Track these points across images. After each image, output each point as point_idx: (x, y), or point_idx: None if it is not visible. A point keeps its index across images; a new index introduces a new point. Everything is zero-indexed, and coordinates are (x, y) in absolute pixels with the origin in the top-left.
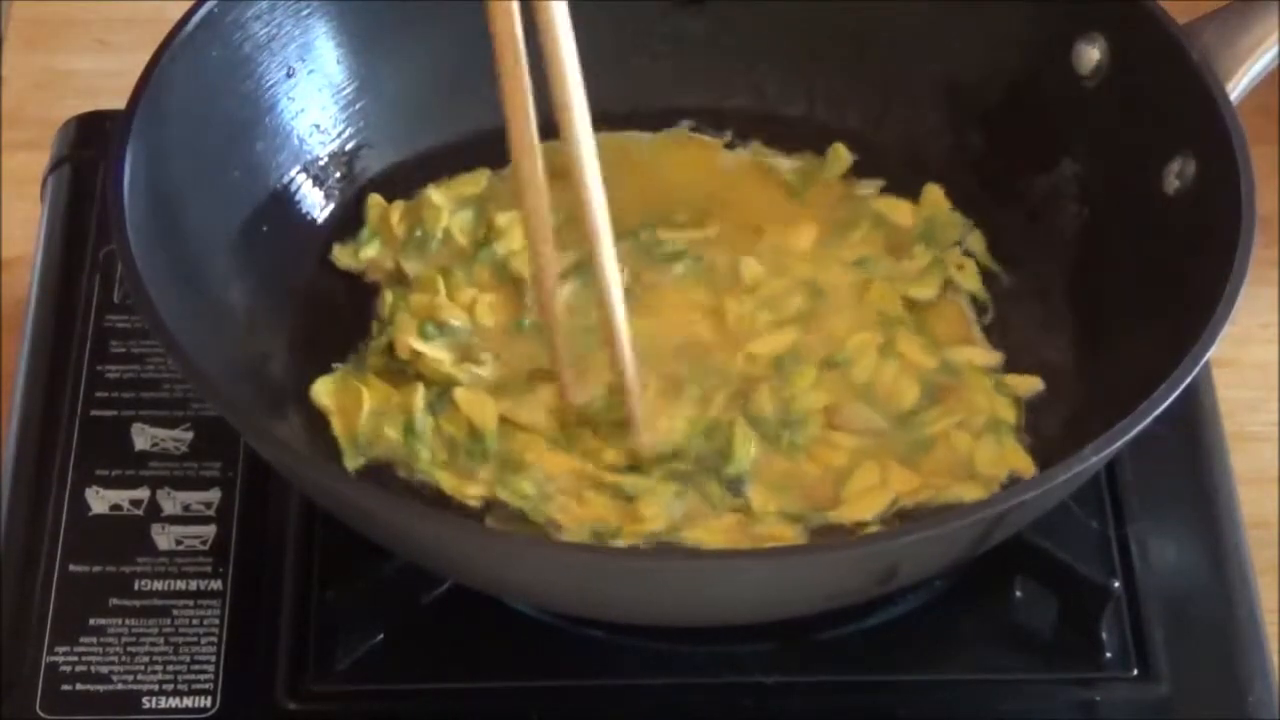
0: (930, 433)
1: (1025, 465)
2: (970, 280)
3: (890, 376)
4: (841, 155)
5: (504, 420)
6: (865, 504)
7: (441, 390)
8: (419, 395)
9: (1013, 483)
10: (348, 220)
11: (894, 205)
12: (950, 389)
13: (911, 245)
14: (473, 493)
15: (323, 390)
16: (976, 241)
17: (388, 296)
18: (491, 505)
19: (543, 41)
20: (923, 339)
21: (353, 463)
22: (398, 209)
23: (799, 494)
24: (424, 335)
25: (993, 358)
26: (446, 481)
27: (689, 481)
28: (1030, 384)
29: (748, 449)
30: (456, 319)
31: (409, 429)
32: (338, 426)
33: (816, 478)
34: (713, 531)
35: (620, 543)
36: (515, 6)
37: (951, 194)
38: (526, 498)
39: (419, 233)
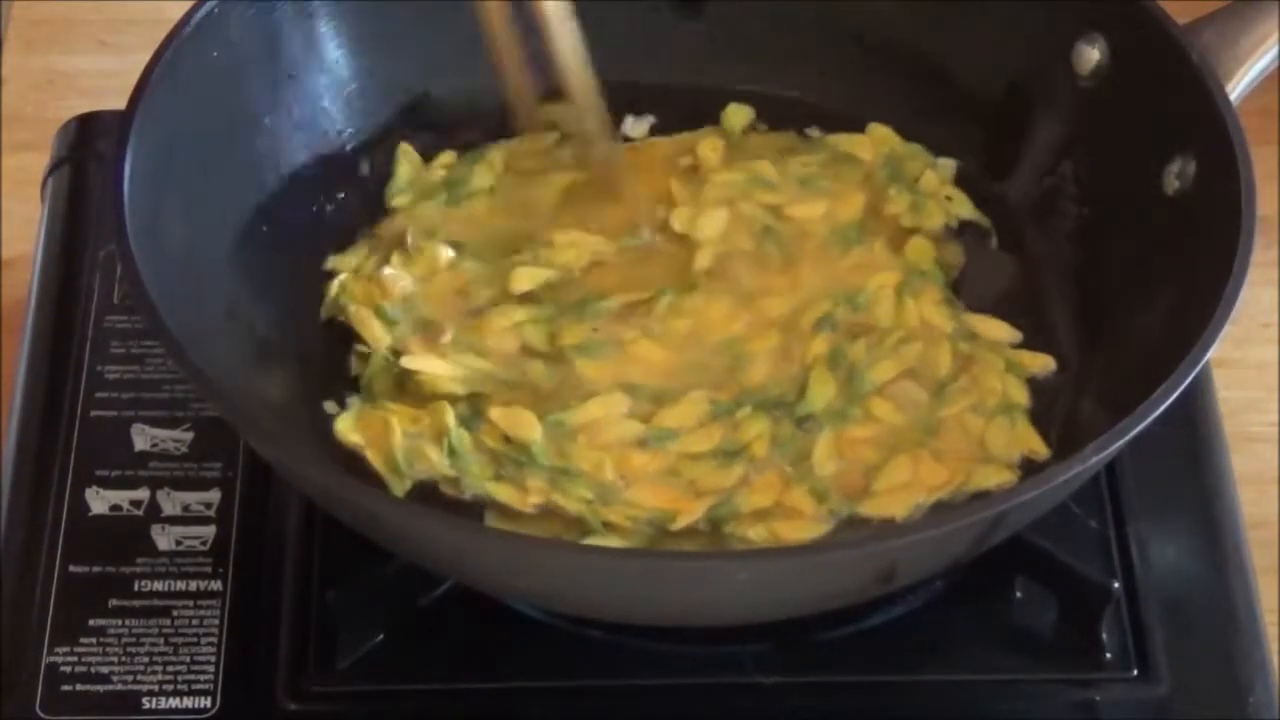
0: (944, 415)
1: (1038, 446)
2: (964, 208)
3: (914, 320)
4: (737, 113)
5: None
6: (895, 500)
7: (471, 404)
8: (449, 415)
9: (1027, 464)
10: (349, 221)
11: (848, 139)
12: (970, 360)
13: (885, 189)
14: (531, 501)
15: (346, 428)
16: (945, 170)
17: (333, 288)
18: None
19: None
20: (939, 293)
21: (399, 488)
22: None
23: (833, 475)
24: (382, 317)
25: (1011, 333)
26: (501, 493)
27: (769, 411)
28: (1042, 362)
29: (823, 390)
30: (404, 287)
31: (450, 450)
32: (374, 458)
33: (850, 464)
34: (756, 491)
35: (678, 525)
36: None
37: None
38: (587, 502)
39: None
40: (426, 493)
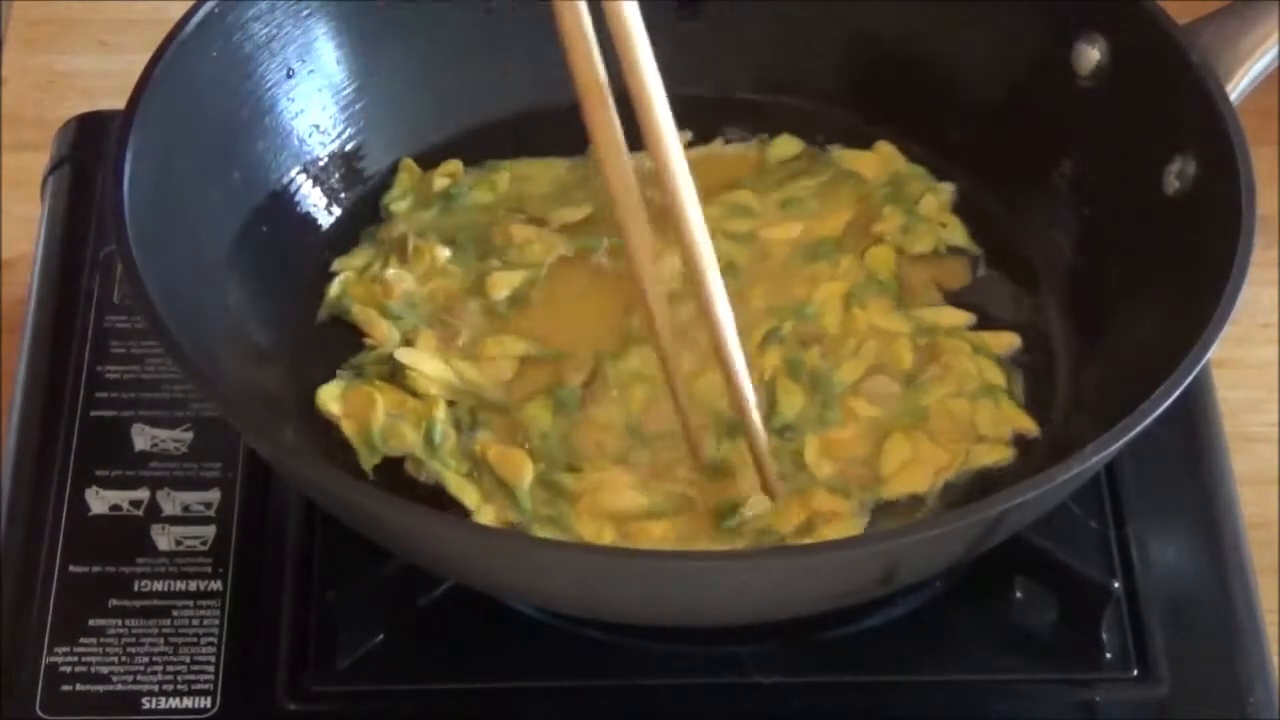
0: (927, 402)
1: (1027, 423)
2: (957, 235)
3: (863, 326)
4: (787, 144)
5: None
6: (910, 478)
7: (471, 410)
8: (441, 407)
9: (1020, 440)
10: (348, 221)
11: (855, 157)
12: (937, 349)
13: (880, 207)
14: (497, 519)
15: (328, 397)
16: (944, 194)
17: (334, 288)
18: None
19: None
20: (890, 302)
21: (369, 461)
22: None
23: (838, 467)
24: (387, 316)
25: (961, 317)
26: (461, 491)
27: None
28: (1007, 340)
29: (792, 399)
30: (406, 287)
31: (429, 440)
32: (349, 428)
33: (845, 462)
34: (778, 514)
35: None
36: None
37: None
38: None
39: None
40: (392, 469)
